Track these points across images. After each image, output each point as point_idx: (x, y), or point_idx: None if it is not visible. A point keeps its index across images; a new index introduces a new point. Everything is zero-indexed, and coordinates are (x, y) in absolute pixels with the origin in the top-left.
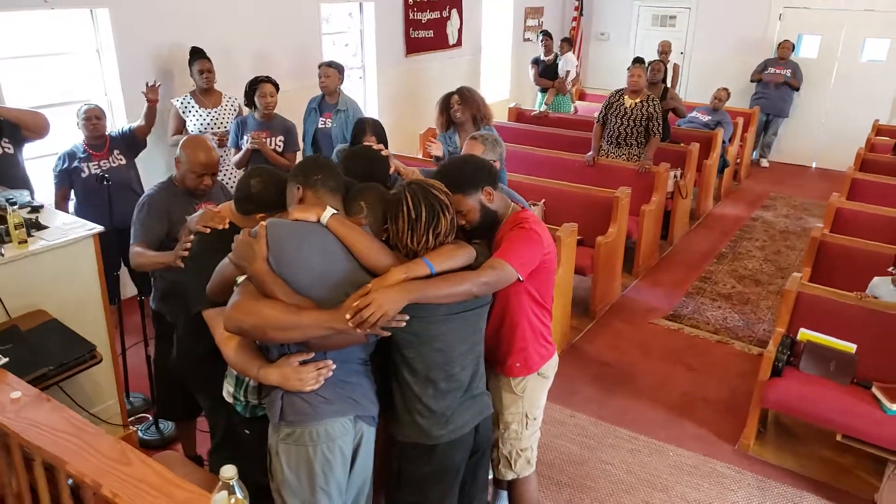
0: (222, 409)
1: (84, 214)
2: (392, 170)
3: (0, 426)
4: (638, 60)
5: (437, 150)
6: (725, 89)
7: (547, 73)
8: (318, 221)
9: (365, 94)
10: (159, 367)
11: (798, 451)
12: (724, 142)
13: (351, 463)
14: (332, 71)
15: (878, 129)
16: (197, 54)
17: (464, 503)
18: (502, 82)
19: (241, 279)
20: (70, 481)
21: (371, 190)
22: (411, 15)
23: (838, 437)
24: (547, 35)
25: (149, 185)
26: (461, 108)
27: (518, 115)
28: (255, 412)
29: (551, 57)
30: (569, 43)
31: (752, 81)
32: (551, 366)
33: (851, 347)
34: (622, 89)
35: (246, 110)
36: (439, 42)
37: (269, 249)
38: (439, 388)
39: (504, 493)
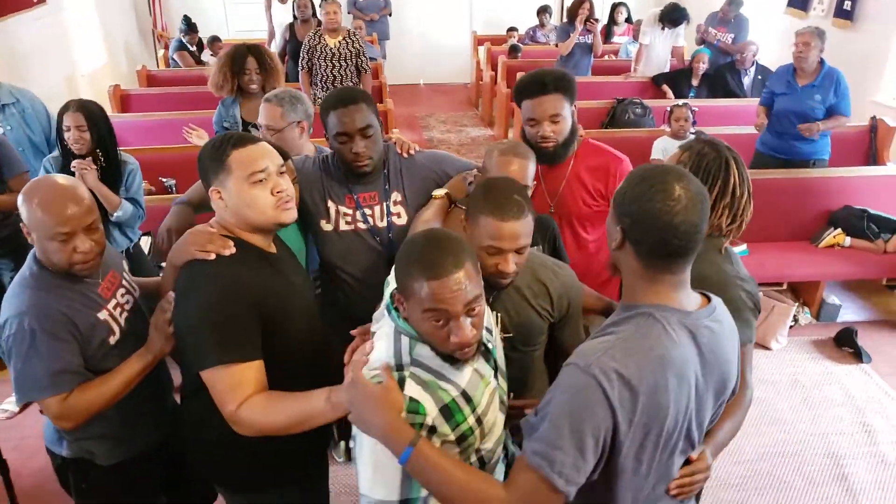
0: None
1: None
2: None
3: None
4: None
5: (199, 138)
6: (358, 20)
7: None
8: None
9: None
10: None
11: None
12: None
13: None
14: None
15: (479, 40)
16: None
17: None
18: (95, 43)
19: None
20: None
21: None
22: None
23: None
24: None
25: None
26: (261, 77)
27: (151, 78)
28: None
29: None
30: None
31: (349, 13)
32: None
33: None
34: (318, 29)
35: None
36: None
37: None
38: None
39: None
